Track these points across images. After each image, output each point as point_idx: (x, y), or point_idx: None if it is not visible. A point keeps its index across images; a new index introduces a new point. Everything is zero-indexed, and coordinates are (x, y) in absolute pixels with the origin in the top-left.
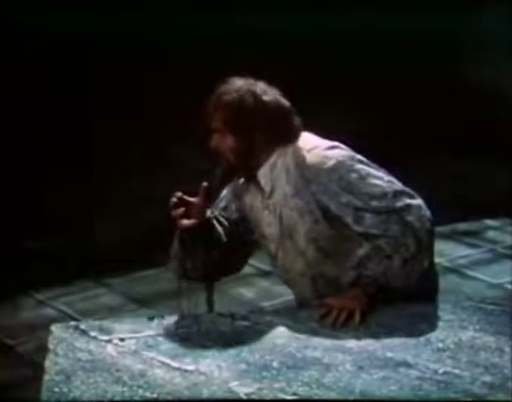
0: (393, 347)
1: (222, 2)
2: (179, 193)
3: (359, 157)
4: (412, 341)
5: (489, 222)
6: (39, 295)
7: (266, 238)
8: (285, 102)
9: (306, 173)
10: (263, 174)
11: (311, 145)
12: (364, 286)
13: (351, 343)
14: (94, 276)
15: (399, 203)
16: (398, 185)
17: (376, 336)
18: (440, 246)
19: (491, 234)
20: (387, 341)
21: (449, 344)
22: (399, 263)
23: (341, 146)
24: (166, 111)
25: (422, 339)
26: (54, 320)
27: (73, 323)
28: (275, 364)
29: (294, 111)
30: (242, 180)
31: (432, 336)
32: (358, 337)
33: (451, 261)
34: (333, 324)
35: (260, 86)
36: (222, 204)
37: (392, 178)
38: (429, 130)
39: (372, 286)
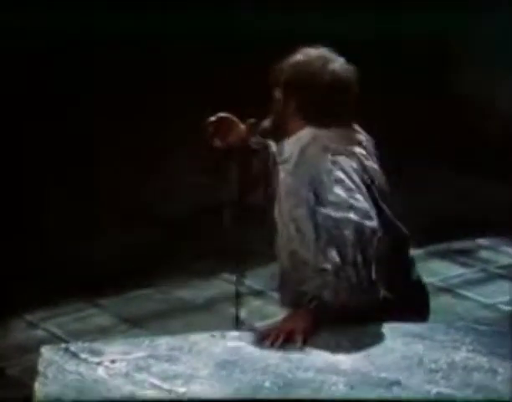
0: (386, 367)
1: (223, 2)
2: (223, 113)
3: (349, 165)
4: (405, 361)
5: (482, 241)
6: (29, 316)
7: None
8: (345, 91)
9: (307, 161)
10: (288, 143)
11: (324, 138)
12: (304, 304)
13: (344, 364)
14: (84, 297)
15: (343, 215)
16: (363, 204)
17: (369, 356)
18: (433, 266)
19: (484, 253)
20: (380, 361)
21: (442, 365)
22: (329, 277)
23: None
24: (165, 116)
25: (415, 359)
26: (45, 341)
27: (63, 345)
28: (267, 384)
29: (347, 105)
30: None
31: (425, 356)
32: (351, 358)
33: (444, 281)
34: (271, 345)
35: (336, 65)
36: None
37: (361, 197)
38: (417, 141)
39: (311, 303)
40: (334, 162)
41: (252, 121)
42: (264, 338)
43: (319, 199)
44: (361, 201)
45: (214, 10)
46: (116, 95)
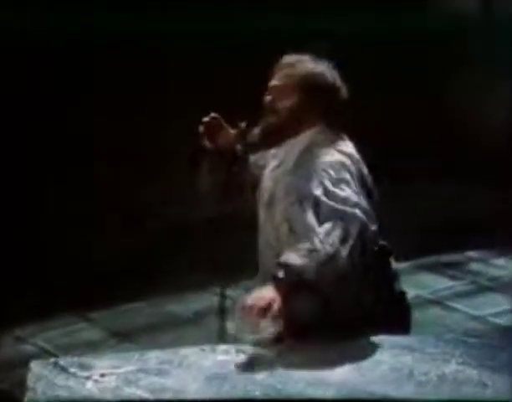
0: (376, 380)
1: (223, 2)
2: (214, 114)
3: (353, 168)
4: (394, 374)
5: (472, 254)
6: (18, 331)
7: (260, 205)
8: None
9: (313, 159)
10: (287, 146)
11: (328, 140)
12: (280, 276)
13: (333, 377)
14: (73, 311)
15: (350, 210)
16: (367, 207)
17: (358, 369)
18: (422, 278)
19: (473, 265)
20: (370, 374)
21: (432, 377)
22: (317, 257)
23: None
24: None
25: (404, 372)
26: (34, 356)
27: (52, 360)
28: (257, 394)
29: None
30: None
31: (415, 369)
32: (340, 371)
33: (433, 293)
34: (247, 317)
35: (334, 72)
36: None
37: (365, 201)
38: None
39: (289, 275)
40: (342, 164)
41: (243, 125)
42: (243, 316)
43: (325, 193)
44: (366, 204)
45: (214, 10)
46: (116, 95)
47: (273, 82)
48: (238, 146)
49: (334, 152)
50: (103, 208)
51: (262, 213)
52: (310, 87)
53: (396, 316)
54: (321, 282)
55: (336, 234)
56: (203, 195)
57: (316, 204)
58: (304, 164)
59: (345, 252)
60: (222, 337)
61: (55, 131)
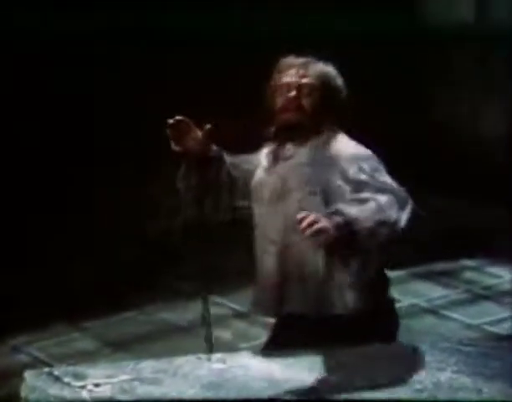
0: (372, 387)
1: (223, 2)
2: (180, 117)
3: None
4: (390, 381)
5: (466, 262)
6: (13, 340)
7: (261, 202)
8: None
9: (339, 154)
10: (301, 142)
11: (343, 136)
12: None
13: (330, 385)
14: (67, 321)
15: (403, 194)
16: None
17: (354, 377)
18: (417, 287)
19: (468, 274)
20: (364, 382)
21: (427, 385)
22: (374, 211)
23: None
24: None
25: (400, 380)
26: (28, 366)
27: (46, 370)
28: None
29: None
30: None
31: (411, 376)
32: (336, 380)
33: (428, 302)
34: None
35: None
36: (242, 159)
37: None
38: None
39: (342, 219)
40: (371, 155)
41: (209, 126)
42: (300, 221)
43: (369, 177)
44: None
45: (214, 10)
46: (116, 95)
47: (293, 79)
48: (213, 148)
49: (356, 145)
50: (96, 218)
51: (262, 211)
52: (326, 87)
53: (385, 321)
54: (372, 240)
55: (394, 204)
56: (183, 200)
57: (360, 189)
58: (326, 157)
59: (403, 222)
60: (208, 346)
61: (55, 131)
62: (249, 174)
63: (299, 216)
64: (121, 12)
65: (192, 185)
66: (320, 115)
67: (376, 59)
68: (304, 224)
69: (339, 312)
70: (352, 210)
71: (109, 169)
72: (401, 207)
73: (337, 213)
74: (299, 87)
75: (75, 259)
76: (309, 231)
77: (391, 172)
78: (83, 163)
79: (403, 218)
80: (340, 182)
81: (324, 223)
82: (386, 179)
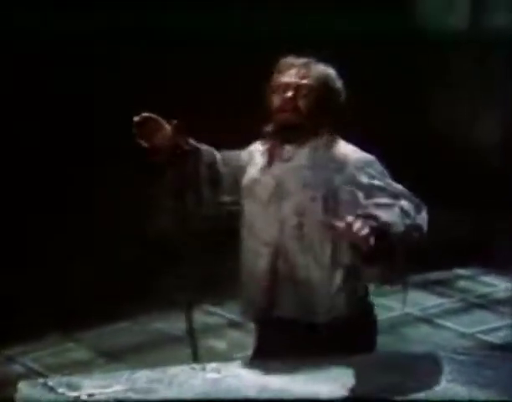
0: (365, 396)
1: (223, 2)
2: (146, 114)
3: None
4: (383, 390)
5: (460, 271)
6: (7, 351)
7: (253, 202)
8: None
9: (344, 158)
10: (298, 144)
11: (342, 140)
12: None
13: (323, 394)
14: (62, 331)
15: (415, 199)
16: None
17: (349, 386)
18: (412, 296)
19: (462, 283)
20: (359, 391)
21: (421, 394)
22: (400, 216)
23: None
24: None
25: (393, 389)
26: (22, 376)
27: (41, 380)
28: None
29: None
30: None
31: (404, 386)
32: (330, 388)
33: (422, 311)
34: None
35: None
36: (233, 155)
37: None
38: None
39: (376, 224)
40: (374, 160)
41: (175, 121)
42: (349, 226)
43: (378, 181)
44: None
45: (214, 10)
46: (116, 95)
47: (291, 79)
48: (188, 142)
49: (357, 149)
50: (96, 218)
51: (254, 210)
52: (324, 89)
53: (366, 327)
54: (403, 245)
55: (413, 208)
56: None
57: (372, 194)
58: (328, 161)
59: (426, 225)
60: (195, 356)
61: (55, 131)
62: (240, 170)
63: (349, 220)
64: (121, 12)
65: (170, 180)
66: (316, 117)
67: (376, 59)
68: (357, 226)
69: (328, 317)
70: (383, 215)
71: (109, 169)
72: (418, 211)
73: (370, 217)
74: (298, 88)
75: (75, 259)
76: (360, 234)
77: (391, 174)
78: (83, 163)
79: (425, 221)
80: (349, 187)
81: (367, 229)
82: (395, 184)
